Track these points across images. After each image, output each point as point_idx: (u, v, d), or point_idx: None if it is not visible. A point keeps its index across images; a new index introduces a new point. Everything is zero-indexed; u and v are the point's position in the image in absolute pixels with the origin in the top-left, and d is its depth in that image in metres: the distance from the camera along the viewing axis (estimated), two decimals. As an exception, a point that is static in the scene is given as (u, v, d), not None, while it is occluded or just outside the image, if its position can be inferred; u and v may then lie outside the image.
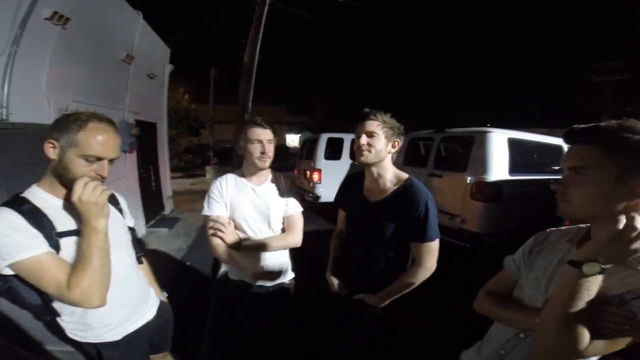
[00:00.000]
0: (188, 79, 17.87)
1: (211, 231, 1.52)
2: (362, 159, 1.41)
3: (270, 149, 1.53)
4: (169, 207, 6.69)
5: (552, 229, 1.01)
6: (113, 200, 1.21)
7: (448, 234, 3.81)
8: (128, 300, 1.18)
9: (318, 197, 6.42)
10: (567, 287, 0.73)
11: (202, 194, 8.05)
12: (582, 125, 0.77)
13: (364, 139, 1.39)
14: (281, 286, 1.68)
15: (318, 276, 1.80)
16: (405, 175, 1.46)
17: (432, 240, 1.35)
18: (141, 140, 5.08)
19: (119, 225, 1.18)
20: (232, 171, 1.67)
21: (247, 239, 1.55)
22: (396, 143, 1.43)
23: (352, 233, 1.59)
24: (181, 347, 1.57)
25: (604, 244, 0.70)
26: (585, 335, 0.70)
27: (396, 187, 1.42)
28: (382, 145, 1.39)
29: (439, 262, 1.40)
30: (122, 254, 1.17)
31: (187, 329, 1.75)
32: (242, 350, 1.75)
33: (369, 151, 1.39)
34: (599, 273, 0.69)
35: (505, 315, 0.97)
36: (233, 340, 1.72)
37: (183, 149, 17.19)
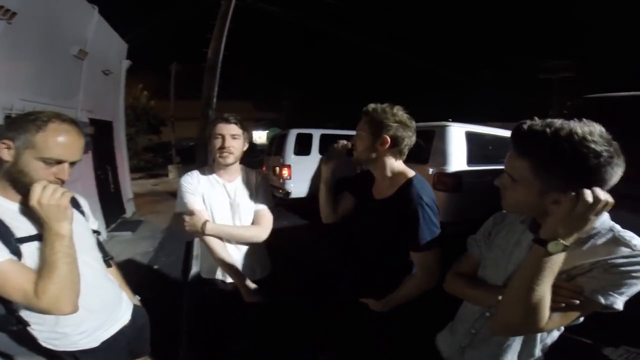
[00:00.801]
0: (147, 75, 16.97)
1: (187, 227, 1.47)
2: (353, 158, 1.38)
3: (232, 144, 1.48)
4: (130, 209, 6.36)
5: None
6: (74, 203, 1.15)
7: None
8: (101, 305, 1.14)
9: (288, 193, 6.42)
10: (533, 265, 0.75)
11: (165, 195, 7.76)
12: (524, 129, 0.78)
13: (354, 138, 1.35)
14: (259, 283, 1.64)
15: (292, 271, 1.82)
16: (410, 174, 1.30)
17: (422, 250, 1.19)
18: (96, 140, 4.78)
19: (82, 229, 1.13)
20: (200, 168, 1.63)
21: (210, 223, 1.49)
22: (385, 140, 1.24)
23: (357, 231, 1.48)
24: (159, 350, 1.53)
25: (559, 219, 0.73)
26: (547, 310, 0.75)
27: (398, 186, 1.28)
28: (364, 144, 1.28)
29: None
30: (89, 259, 1.12)
31: (163, 332, 1.71)
32: (222, 349, 1.74)
33: (356, 151, 1.34)
34: (563, 250, 0.72)
35: (472, 294, 1.01)
36: (212, 340, 1.71)
37: (142, 147, 16.32)
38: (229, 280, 1.59)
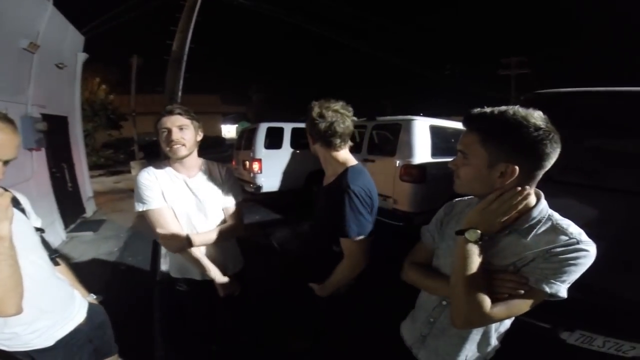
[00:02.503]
0: (106, 68, 15.99)
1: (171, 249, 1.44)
2: None
3: (180, 136, 1.40)
4: (90, 208, 6.03)
5: (457, 199, 1.09)
6: (14, 201, 1.10)
7: (383, 215, 4.14)
8: (52, 304, 1.13)
9: (260, 187, 6.35)
10: (459, 253, 0.84)
11: (128, 193, 7.48)
12: (475, 111, 0.85)
13: None
14: (231, 277, 1.64)
15: (267, 265, 1.84)
16: (350, 164, 1.36)
17: (349, 236, 1.26)
18: (51, 136, 4.47)
19: (24, 228, 1.09)
20: (157, 164, 1.53)
21: (193, 235, 1.46)
22: (309, 135, 1.39)
23: (315, 219, 1.54)
24: (133, 351, 1.51)
25: (477, 213, 0.84)
26: (485, 296, 0.80)
27: (336, 175, 1.36)
28: (310, 140, 1.41)
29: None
30: (35, 258, 1.09)
31: (136, 333, 1.68)
32: (200, 347, 1.73)
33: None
34: (480, 239, 0.82)
35: (428, 284, 1.03)
36: (188, 340, 1.70)
37: (101, 144, 15.40)
38: (201, 278, 1.57)
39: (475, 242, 0.83)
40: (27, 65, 4.04)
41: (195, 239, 1.45)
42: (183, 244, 1.43)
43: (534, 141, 0.75)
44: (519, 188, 0.80)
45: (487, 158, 0.81)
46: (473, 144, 0.84)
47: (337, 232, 1.29)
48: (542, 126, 0.75)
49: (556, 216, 0.84)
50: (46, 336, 1.09)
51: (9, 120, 0.94)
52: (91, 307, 1.32)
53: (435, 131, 4.26)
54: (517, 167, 0.78)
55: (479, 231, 0.83)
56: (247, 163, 6.60)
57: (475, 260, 0.82)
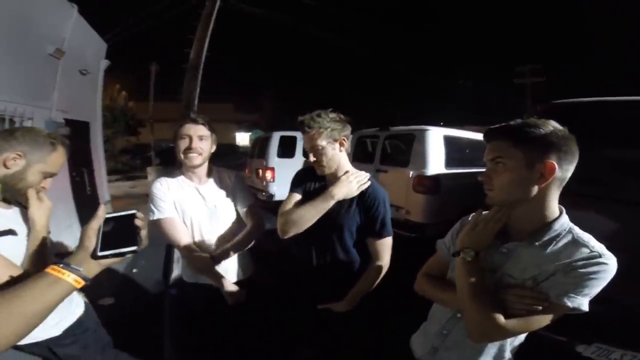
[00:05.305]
0: (126, 75, 16.57)
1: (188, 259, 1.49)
2: (321, 173, 1.41)
3: (199, 145, 1.45)
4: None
5: (473, 214, 1.04)
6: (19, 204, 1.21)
7: (395, 226, 4.07)
8: None
9: (272, 196, 6.40)
10: (461, 273, 0.89)
11: (143, 198, 7.59)
12: (496, 126, 0.88)
13: (311, 157, 1.35)
14: (240, 284, 1.65)
15: (276, 273, 1.84)
16: (363, 172, 1.42)
17: (389, 235, 1.39)
18: (72, 141, 4.59)
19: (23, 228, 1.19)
20: (170, 173, 1.59)
21: (216, 250, 1.52)
22: (343, 140, 1.35)
23: (312, 236, 1.40)
24: (143, 354, 1.52)
25: (467, 235, 0.91)
26: (496, 309, 0.80)
27: None
28: (329, 152, 1.33)
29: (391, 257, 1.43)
30: None
31: (146, 336, 1.69)
32: (206, 351, 1.73)
33: (322, 166, 1.35)
34: (476, 256, 0.88)
35: (441, 297, 1.03)
36: (196, 343, 1.71)
37: (119, 149, 15.84)
38: (212, 283, 1.57)
39: (473, 260, 0.88)
40: (53, 71, 4.19)
41: (217, 254, 1.49)
42: (207, 265, 1.47)
43: (561, 137, 0.80)
44: (498, 207, 0.87)
45: (523, 158, 0.82)
46: (506, 148, 0.84)
47: (377, 233, 1.36)
48: (561, 128, 0.82)
49: (576, 230, 0.84)
50: (57, 325, 1.20)
51: (65, 144, 1.14)
52: (87, 304, 1.41)
53: (449, 141, 4.21)
54: (555, 163, 0.79)
55: (472, 250, 0.89)
56: (260, 171, 6.67)
57: (475, 276, 0.86)
